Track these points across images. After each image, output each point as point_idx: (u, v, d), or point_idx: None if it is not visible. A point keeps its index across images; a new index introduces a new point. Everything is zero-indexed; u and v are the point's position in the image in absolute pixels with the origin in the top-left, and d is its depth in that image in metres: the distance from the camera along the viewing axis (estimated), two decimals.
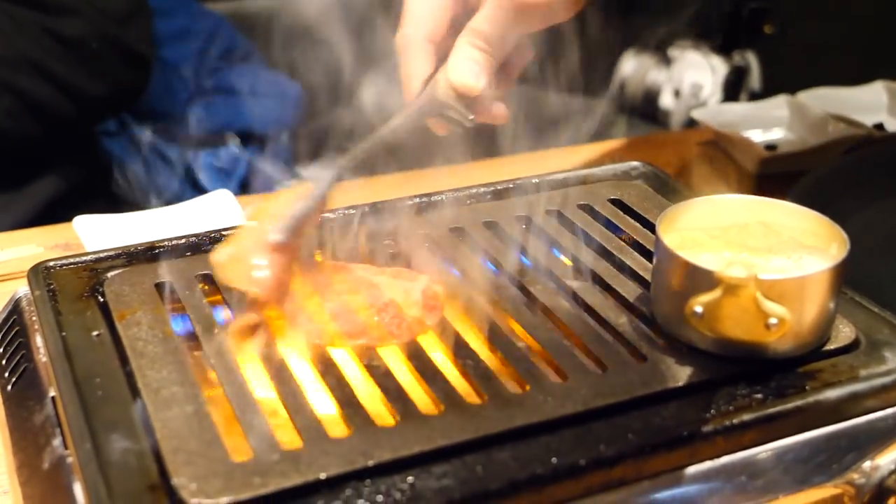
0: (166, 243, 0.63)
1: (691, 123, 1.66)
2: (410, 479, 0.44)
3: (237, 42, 1.67)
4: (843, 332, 0.55)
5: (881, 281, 0.82)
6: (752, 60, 1.85)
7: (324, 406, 0.50)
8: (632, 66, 1.86)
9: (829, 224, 0.56)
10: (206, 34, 1.59)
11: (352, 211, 0.67)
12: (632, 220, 0.67)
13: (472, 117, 0.56)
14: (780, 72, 1.82)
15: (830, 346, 0.54)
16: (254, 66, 1.66)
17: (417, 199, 0.70)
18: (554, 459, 0.46)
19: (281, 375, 0.50)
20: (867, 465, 0.52)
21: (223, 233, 0.65)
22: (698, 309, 0.51)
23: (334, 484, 0.44)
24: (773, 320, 0.50)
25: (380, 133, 0.57)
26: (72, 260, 0.61)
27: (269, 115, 1.58)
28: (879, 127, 1.07)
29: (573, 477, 0.45)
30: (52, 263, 0.60)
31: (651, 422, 0.48)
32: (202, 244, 0.63)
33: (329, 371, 0.51)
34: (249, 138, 1.55)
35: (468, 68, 0.54)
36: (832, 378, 0.51)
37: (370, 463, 0.45)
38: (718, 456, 0.48)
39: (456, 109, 0.55)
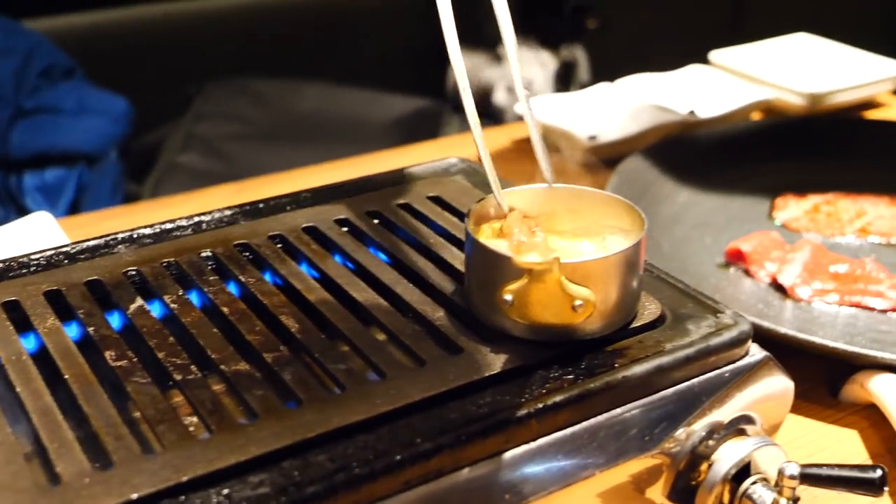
0: None
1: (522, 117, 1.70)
2: (226, 490, 0.44)
3: (59, 59, 1.62)
4: (649, 309, 0.57)
5: (687, 259, 0.86)
6: (579, 54, 1.90)
7: (137, 423, 0.49)
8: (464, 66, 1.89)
9: (629, 207, 0.58)
10: (24, 53, 1.54)
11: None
12: (450, 216, 0.68)
13: None
14: (607, 63, 1.87)
15: (637, 323, 0.56)
16: (78, 84, 1.61)
17: (238, 209, 0.69)
18: (371, 457, 0.46)
19: (90, 396, 0.49)
20: (680, 433, 0.54)
21: (35, 256, 0.63)
22: (508, 297, 0.52)
23: (147, 503, 0.43)
24: (578, 302, 0.51)
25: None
26: None
27: (97, 133, 1.54)
28: (692, 114, 1.11)
29: (391, 473, 0.46)
30: None
31: (467, 411, 0.49)
32: (10, 269, 0.61)
33: (142, 389, 0.50)
34: (77, 158, 1.50)
35: None
36: (639, 353, 0.53)
37: (184, 478, 0.44)
38: (534, 439, 0.50)
39: None
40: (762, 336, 0.69)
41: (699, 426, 0.54)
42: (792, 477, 0.53)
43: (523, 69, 1.88)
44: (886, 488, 0.53)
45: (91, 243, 0.64)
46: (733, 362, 0.56)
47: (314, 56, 2.15)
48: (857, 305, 0.80)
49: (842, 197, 0.97)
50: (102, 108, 1.55)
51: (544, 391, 0.50)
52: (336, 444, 0.47)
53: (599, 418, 0.51)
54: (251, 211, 0.69)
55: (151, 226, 0.67)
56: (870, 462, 0.66)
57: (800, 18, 1.70)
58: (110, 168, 1.54)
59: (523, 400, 0.50)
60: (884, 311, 0.79)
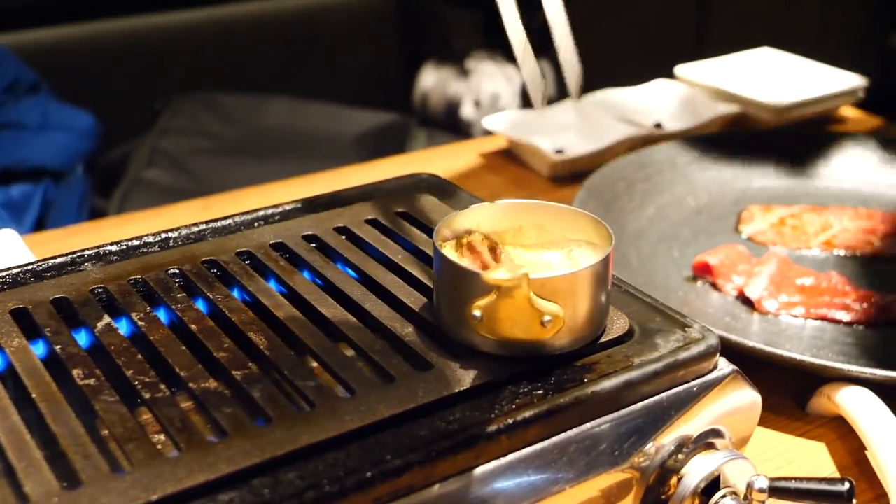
0: None
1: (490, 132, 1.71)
2: None
3: (23, 74, 1.61)
4: (618, 324, 0.57)
5: (655, 273, 0.87)
6: (546, 68, 1.91)
7: (105, 441, 0.48)
8: (432, 80, 1.89)
9: (595, 221, 0.58)
10: None
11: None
12: (418, 232, 0.68)
13: None
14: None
15: (606, 338, 0.56)
16: (43, 99, 1.60)
17: (205, 225, 0.69)
18: (341, 474, 0.46)
19: (57, 414, 0.49)
20: (650, 447, 0.54)
21: (0, 274, 0.62)
22: (476, 313, 0.52)
23: None
24: (547, 317, 0.52)
25: None
26: None
27: (62, 148, 1.53)
28: (658, 126, 1.12)
29: (361, 490, 0.46)
30: None
31: (437, 427, 0.49)
32: None
33: (110, 407, 0.50)
34: (42, 173, 1.49)
35: None
36: (608, 368, 0.54)
37: (153, 497, 0.44)
38: (504, 454, 0.50)
39: None
40: (730, 349, 0.69)
41: (668, 440, 0.55)
42: (761, 490, 0.53)
43: (489, 83, 1.89)
44: (854, 501, 0.53)
45: (57, 260, 0.64)
46: (701, 376, 0.56)
47: (281, 71, 2.15)
48: (824, 318, 0.81)
49: (807, 210, 0.98)
50: (68, 123, 1.54)
51: (514, 407, 0.50)
52: (306, 461, 0.47)
53: (569, 433, 0.51)
54: (218, 227, 0.69)
55: (118, 242, 0.66)
56: (838, 474, 0.67)
57: (763, 33, 1.72)
58: (76, 183, 1.52)
59: (493, 415, 0.50)
60: (849, 324, 0.80)
